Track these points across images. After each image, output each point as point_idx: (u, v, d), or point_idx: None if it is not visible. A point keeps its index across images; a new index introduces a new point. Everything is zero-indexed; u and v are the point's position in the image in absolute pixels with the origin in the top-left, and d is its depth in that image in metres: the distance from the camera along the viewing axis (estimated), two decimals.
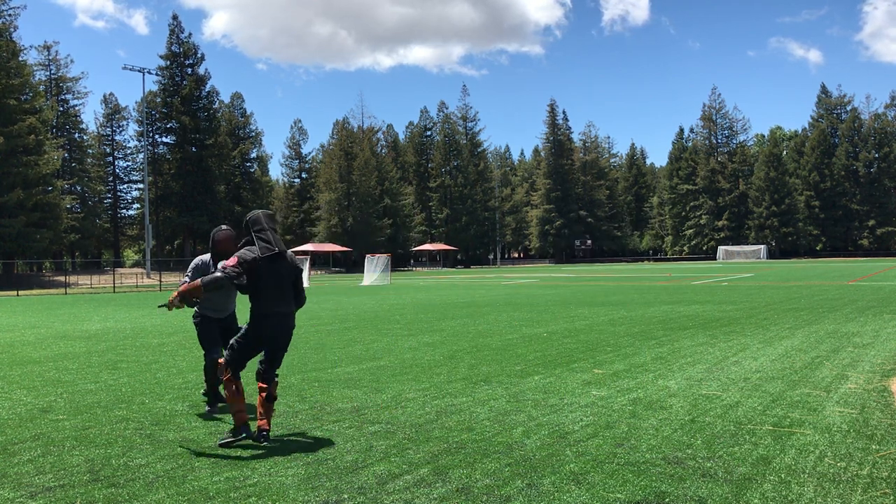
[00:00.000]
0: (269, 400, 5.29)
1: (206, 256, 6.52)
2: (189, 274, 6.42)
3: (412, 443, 5.16)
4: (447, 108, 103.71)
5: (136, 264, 74.38)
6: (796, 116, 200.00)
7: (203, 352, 6.52)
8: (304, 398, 6.91)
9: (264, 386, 5.29)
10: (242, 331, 5.42)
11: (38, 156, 51.89)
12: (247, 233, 5.41)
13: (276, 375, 5.40)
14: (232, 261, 5.18)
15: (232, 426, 5.36)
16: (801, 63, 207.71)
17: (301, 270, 5.50)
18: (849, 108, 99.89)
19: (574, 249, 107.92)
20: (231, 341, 5.44)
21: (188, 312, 19.41)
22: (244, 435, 5.19)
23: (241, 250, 5.32)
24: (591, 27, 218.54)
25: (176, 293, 5.23)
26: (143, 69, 61.47)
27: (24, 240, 50.11)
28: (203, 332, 6.45)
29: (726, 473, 4.32)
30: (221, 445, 5.16)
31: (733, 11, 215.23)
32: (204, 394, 6.48)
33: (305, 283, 44.25)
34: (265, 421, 5.24)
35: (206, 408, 6.38)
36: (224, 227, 6.52)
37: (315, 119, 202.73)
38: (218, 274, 5.13)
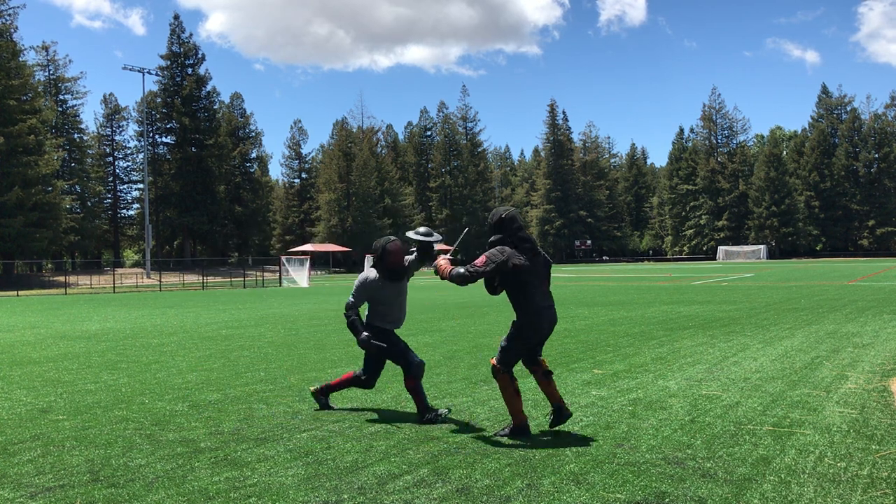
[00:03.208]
0: (548, 376, 5.40)
1: (373, 273, 6.00)
2: (354, 294, 6.00)
3: (412, 443, 5.16)
4: (447, 109, 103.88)
5: (135, 264, 74.24)
6: (796, 116, 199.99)
7: (400, 362, 6.00)
8: (304, 398, 6.90)
9: (536, 367, 5.42)
10: (513, 331, 5.28)
11: (38, 156, 51.90)
12: (500, 230, 5.29)
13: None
14: (481, 260, 5.15)
15: (510, 425, 5.34)
16: (799, 63, 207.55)
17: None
18: (849, 108, 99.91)
19: (574, 249, 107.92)
20: (503, 344, 5.29)
21: (190, 315, 19.39)
22: (525, 436, 5.22)
23: (493, 251, 5.20)
24: (588, 27, 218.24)
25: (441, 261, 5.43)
26: (143, 69, 61.50)
27: (24, 240, 50.12)
28: (396, 345, 6.03)
29: (726, 473, 4.32)
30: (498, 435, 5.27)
31: (729, 12, 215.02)
32: (318, 392, 6.43)
33: (305, 284, 43.86)
34: (559, 398, 5.38)
35: (321, 404, 6.41)
36: (393, 237, 6.09)
37: (314, 119, 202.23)
38: (462, 271, 5.14)
